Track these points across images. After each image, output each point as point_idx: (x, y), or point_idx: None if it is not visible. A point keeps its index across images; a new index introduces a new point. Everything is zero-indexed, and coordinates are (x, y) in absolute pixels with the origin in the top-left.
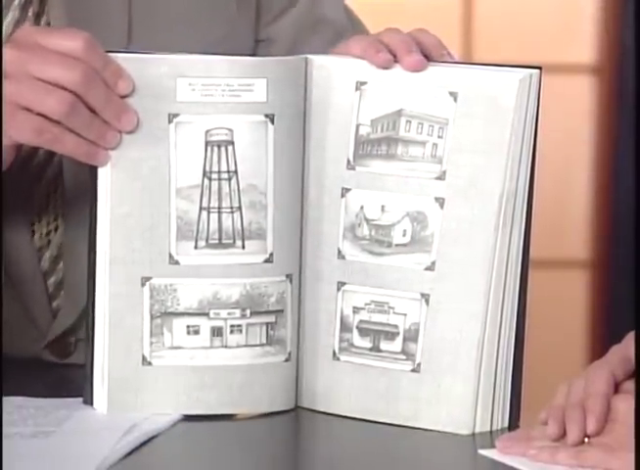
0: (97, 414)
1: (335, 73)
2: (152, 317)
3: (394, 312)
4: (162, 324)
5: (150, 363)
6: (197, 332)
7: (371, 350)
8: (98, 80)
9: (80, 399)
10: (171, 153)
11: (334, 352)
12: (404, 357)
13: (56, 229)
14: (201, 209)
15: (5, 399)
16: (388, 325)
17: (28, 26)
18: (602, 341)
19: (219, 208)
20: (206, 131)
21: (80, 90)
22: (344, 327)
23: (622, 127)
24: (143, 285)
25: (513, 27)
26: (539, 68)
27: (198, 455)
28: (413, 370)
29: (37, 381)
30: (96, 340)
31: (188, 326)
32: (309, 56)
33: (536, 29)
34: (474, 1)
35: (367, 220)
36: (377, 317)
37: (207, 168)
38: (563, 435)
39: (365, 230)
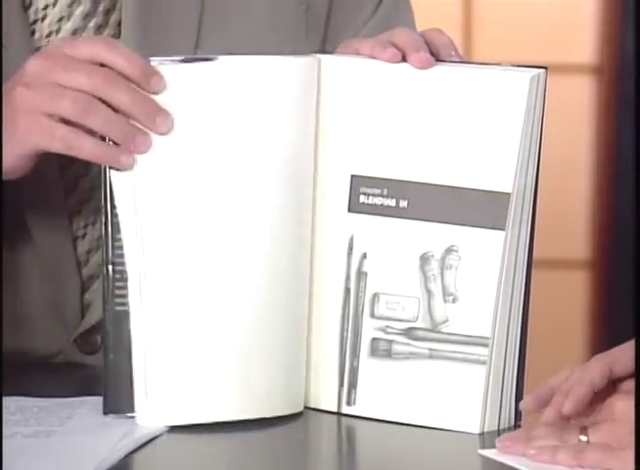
0: (99, 413)
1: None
2: None
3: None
4: None
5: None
6: None
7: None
8: (121, 82)
9: (83, 399)
10: None
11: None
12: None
13: (94, 223)
14: None
15: (9, 398)
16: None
17: (57, 41)
18: (602, 341)
19: None
20: None
21: (102, 93)
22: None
23: (622, 127)
24: None
25: (513, 27)
26: (545, 67)
27: (199, 456)
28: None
29: (57, 381)
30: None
31: None
32: (321, 55)
33: (536, 29)
34: (474, 1)
35: None
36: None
37: None
38: (535, 411)
39: None
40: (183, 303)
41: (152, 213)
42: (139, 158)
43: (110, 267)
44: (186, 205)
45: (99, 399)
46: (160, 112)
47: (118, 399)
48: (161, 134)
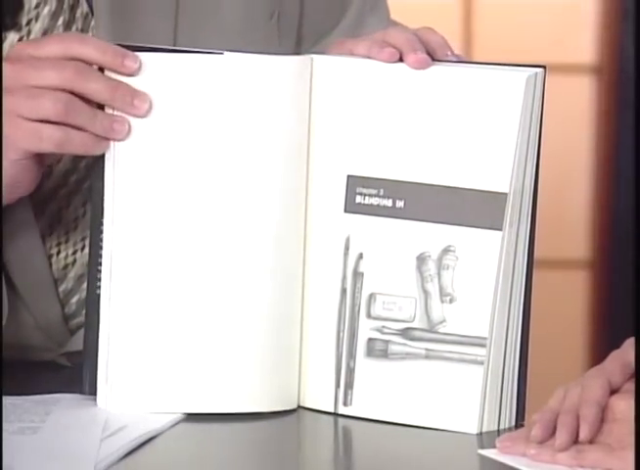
0: (76, 409)
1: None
2: None
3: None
4: None
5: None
6: None
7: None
8: (93, 72)
9: (56, 396)
10: None
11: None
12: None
13: (82, 248)
14: None
15: None
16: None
17: (21, 43)
18: (602, 341)
19: None
20: None
21: (75, 86)
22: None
23: (622, 127)
24: None
25: (513, 28)
26: (543, 66)
27: (198, 456)
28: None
29: (48, 380)
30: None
31: None
32: (314, 55)
33: (536, 29)
34: (474, 1)
35: None
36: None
37: None
38: (547, 438)
39: None
40: (154, 294)
41: (130, 201)
42: (121, 146)
43: (93, 249)
44: (167, 197)
45: (72, 396)
46: (137, 94)
47: (95, 381)
48: (142, 116)
